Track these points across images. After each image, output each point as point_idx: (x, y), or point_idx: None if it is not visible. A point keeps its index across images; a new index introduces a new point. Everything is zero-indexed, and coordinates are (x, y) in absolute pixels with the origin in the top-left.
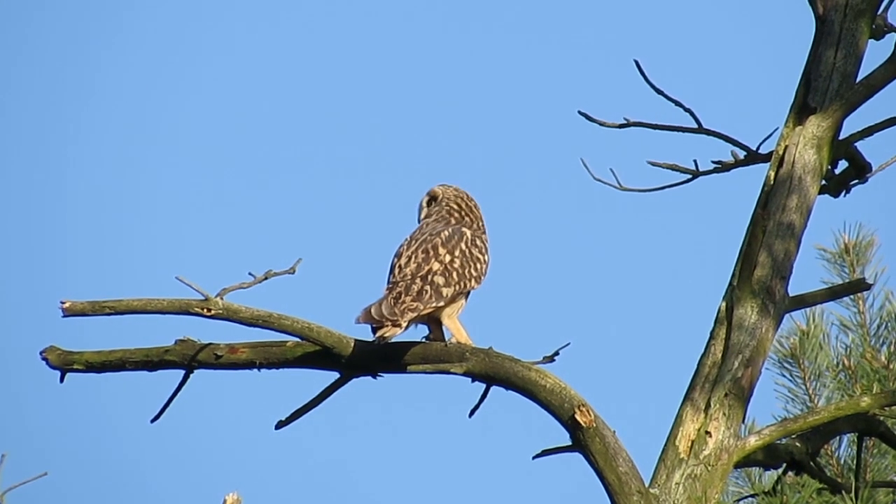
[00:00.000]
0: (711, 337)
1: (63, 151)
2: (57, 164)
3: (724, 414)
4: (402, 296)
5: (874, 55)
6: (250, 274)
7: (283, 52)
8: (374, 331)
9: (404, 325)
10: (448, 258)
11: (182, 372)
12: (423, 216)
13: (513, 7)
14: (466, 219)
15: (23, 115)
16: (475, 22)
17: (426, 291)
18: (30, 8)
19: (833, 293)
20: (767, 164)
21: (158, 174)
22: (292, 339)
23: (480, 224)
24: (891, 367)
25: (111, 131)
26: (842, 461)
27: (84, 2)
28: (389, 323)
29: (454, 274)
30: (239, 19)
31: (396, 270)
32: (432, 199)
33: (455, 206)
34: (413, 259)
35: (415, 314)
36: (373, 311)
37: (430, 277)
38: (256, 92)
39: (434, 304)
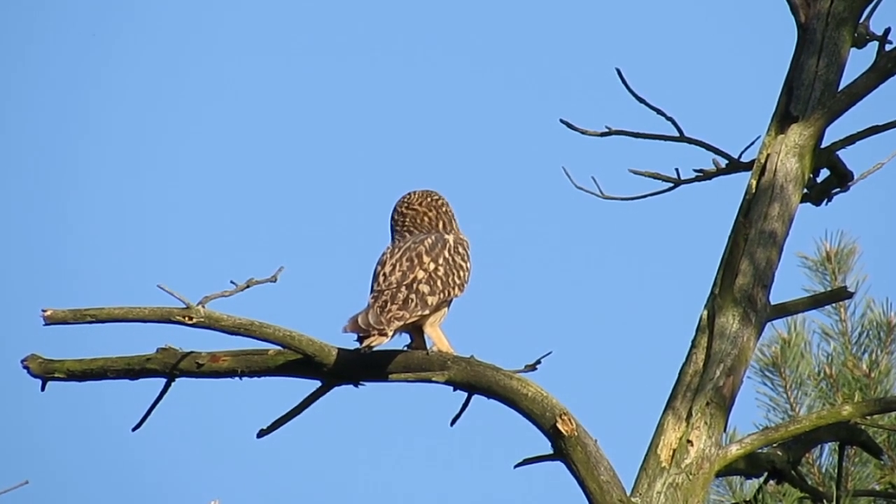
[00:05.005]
0: (693, 345)
1: (39, 160)
2: (34, 173)
3: (706, 423)
4: (388, 304)
5: (856, 64)
6: (232, 282)
7: (263, 61)
8: (360, 340)
9: (390, 333)
10: (432, 266)
11: (164, 380)
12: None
13: (494, 14)
14: (442, 223)
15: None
16: (456, 30)
17: (412, 300)
18: (28, 9)
19: (815, 301)
20: (749, 173)
21: (139, 181)
22: (274, 348)
23: (455, 225)
24: (872, 375)
25: (89, 139)
26: (823, 470)
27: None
28: (376, 332)
29: (438, 282)
30: (218, 32)
31: (381, 279)
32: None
33: (433, 214)
34: (397, 267)
35: (401, 323)
36: (359, 320)
37: (415, 286)
38: (236, 98)
39: (419, 313)
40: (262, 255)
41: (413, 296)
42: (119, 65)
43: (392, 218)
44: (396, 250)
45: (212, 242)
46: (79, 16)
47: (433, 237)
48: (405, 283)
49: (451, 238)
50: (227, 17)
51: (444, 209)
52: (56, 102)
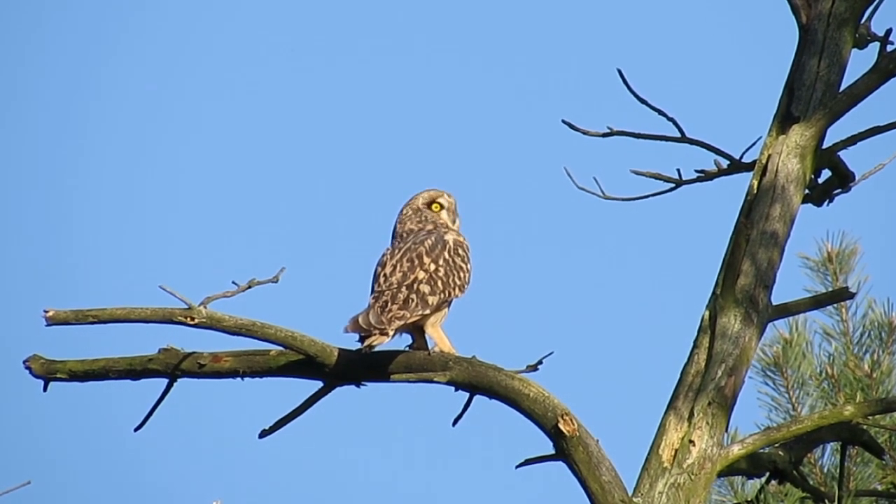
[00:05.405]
0: (695, 346)
1: (40, 160)
2: (35, 173)
3: (708, 423)
4: (389, 304)
5: (858, 64)
6: (234, 283)
7: (264, 61)
8: (362, 340)
9: (391, 333)
10: (433, 267)
11: (166, 381)
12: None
13: (496, 16)
14: (445, 222)
15: None
16: (457, 31)
17: (412, 300)
18: (29, 9)
19: (816, 302)
20: (750, 174)
21: (141, 181)
22: (276, 348)
23: (457, 224)
24: (874, 375)
25: (91, 138)
26: (825, 470)
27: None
28: (377, 332)
29: (439, 283)
30: (219, 32)
31: (381, 279)
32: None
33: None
34: (398, 268)
35: (401, 323)
36: (360, 320)
37: (415, 286)
38: (238, 98)
39: (420, 313)
40: (263, 255)
41: (414, 296)
42: (121, 64)
43: (398, 219)
44: (396, 251)
45: (214, 243)
46: (78, 15)
47: (433, 238)
48: (406, 283)
49: (450, 239)
50: (227, 15)
51: (448, 210)
52: (56, 102)
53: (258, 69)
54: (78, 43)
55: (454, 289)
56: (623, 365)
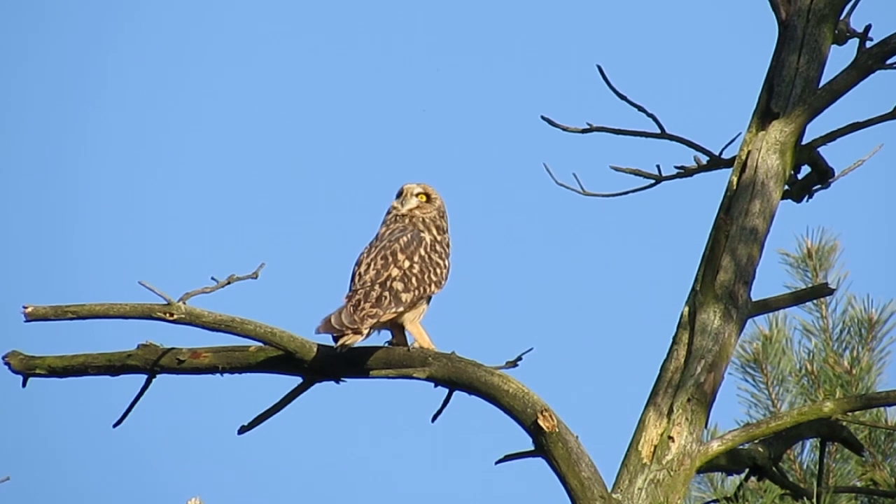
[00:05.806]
0: (674, 342)
1: (20, 158)
2: (15, 171)
3: (687, 419)
4: (362, 303)
5: (837, 60)
6: (213, 279)
7: (243, 58)
8: (336, 339)
9: (365, 331)
10: (407, 264)
11: (145, 377)
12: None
13: (475, 12)
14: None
15: None
16: (437, 27)
17: (385, 297)
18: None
19: (796, 298)
20: (730, 170)
21: (121, 178)
22: (255, 344)
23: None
24: (853, 372)
25: (72, 137)
26: (804, 466)
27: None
28: (350, 331)
29: (413, 279)
30: (197, 32)
31: (356, 278)
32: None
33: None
34: (372, 266)
35: (375, 320)
36: (332, 320)
37: (389, 283)
38: (218, 95)
39: (394, 310)
40: (243, 251)
41: (387, 293)
42: (102, 61)
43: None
44: (373, 249)
45: (193, 239)
46: (60, 13)
47: (409, 235)
48: (379, 281)
49: (428, 236)
50: (209, 15)
51: (429, 196)
52: (37, 100)
53: (236, 67)
54: (56, 40)
55: (430, 285)
56: (603, 361)
